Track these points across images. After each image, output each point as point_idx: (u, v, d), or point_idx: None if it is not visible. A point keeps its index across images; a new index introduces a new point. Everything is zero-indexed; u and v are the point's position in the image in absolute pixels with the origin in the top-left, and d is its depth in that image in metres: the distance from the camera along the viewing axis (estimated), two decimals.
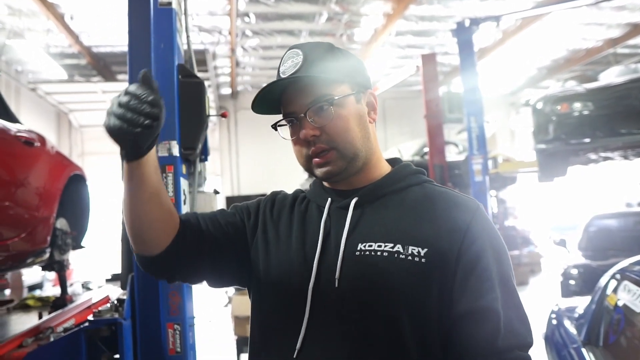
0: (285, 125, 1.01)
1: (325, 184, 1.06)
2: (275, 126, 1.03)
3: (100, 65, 9.07)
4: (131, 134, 0.82)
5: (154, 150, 0.92)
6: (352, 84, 1.00)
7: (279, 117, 1.03)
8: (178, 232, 0.99)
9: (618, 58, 9.96)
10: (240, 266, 1.04)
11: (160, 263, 0.99)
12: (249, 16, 7.64)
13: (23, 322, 2.28)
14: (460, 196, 0.99)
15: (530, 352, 0.91)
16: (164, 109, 0.85)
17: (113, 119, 0.82)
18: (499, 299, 0.90)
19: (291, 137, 1.00)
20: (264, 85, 0.99)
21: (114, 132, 0.82)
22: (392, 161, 1.09)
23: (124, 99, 0.82)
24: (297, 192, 1.12)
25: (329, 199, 1.02)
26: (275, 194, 1.12)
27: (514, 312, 0.91)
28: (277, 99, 1.00)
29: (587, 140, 4.92)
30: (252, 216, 1.07)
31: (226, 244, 1.03)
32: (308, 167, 0.99)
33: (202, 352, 2.18)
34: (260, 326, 1.00)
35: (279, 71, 1.00)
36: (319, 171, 0.97)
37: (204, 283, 1.08)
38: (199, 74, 2.17)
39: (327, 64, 0.97)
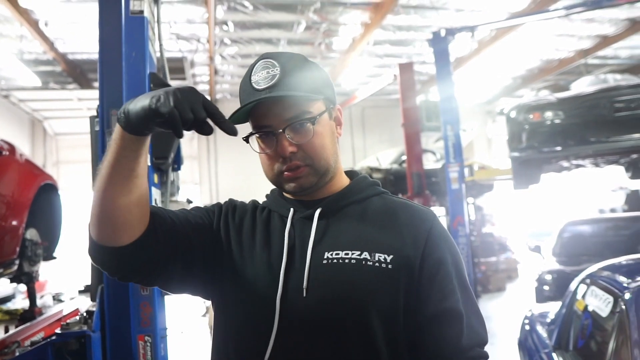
0: (253, 136, 0.99)
1: (285, 194, 1.06)
2: (247, 138, 1.00)
3: (76, 72, 8.94)
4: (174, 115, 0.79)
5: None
6: (325, 99, 1.01)
7: (248, 126, 1.00)
8: (149, 224, 0.92)
9: (589, 68, 10.24)
10: (206, 271, 1.00)
11: (125, 256, 0.90)
12: (227, 24, 7.63)
13: None
14: (418, 206, 1.04)
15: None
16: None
17: (173, 97, 0.80)
18: (460, 301, 0.96)
19: (264, 150, 0.98)
20: (246, 101, 0.96)
21: (170, 103, 0.79)
22: (350, 173, 1.11)
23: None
24: (255, 202, 1.11)
25: (292, 210, 1.02)
26: (234, 201, 1.11)
27: (472, 311, 0.98)
28: (248, 109, 0.98)
29: (559, 148, 5.03)
30: (216, 220, 1.05)
31: (197, 243, 0.98)
32: (277, 180, 0.99)
33: None
34: (227, 337, 0.99)
35: (250, 80, 0.97)
36: (289, 185, 0.98)
37: (160, 286, 1.00)
38: (177, 82, 2.16)
39: (303, 79, 0.97)
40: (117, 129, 0.85)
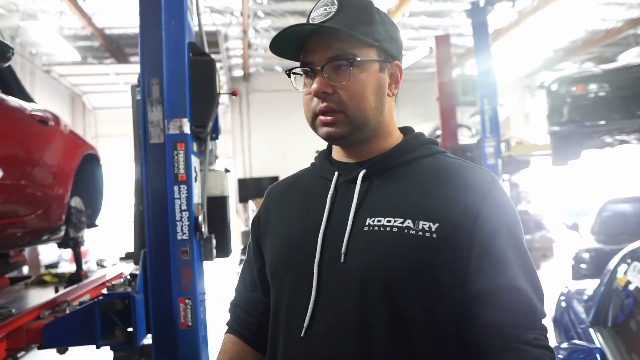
0: (301, 75, 0.96)
1: (333, 156, 1.03)
2: (289, 73, 0.96)
3: (113, 47, 9.11)
4: None
5: None
6: (380, 50, 0.94)
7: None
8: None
9: (639, 39, 9.72)
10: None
11: None
12: None
13: (40, 296, 2.34)
14: (474, 168, 0.94)
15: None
16: None
17: None
18: (520, 275, 0.86)
19: (304, 87, 0.95)
20: (286, 27, 0.93)
21: None
22: (404, 130, 1.03)
23: None
24: (297, 173, 1.09)
25: (336, 173, 0.97)
26: (268, 190, 1.12)
27: (531, 286, 0.88)
28: (300, 45, 0.94)
29: (602, 122, 4.82)
30: (255, 241, 1.09)
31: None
32: (312, 122, 0.95)
33: (214, 327, 2.23)
34: (271, 306, 0.99)
35: (308, 16, 0.95)
36: (321, 130, 0.93)
37: None
38: (212, 56, 2.17)
39: (359, 21, 0.91)
40: None
